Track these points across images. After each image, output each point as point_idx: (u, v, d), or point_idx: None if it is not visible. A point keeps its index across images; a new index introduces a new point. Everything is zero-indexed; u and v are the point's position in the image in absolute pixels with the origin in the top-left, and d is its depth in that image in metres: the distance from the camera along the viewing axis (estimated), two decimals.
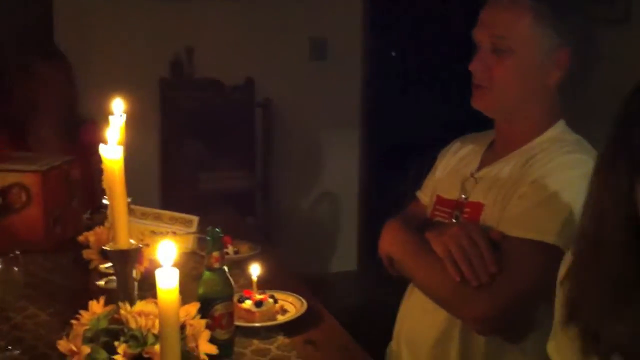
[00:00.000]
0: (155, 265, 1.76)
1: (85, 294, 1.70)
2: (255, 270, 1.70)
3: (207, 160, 4.05)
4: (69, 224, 2.27)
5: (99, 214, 2.42)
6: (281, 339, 1.56)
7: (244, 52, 4.13)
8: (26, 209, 2.12)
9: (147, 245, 1.67)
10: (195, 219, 2.14)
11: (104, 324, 1.12)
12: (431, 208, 1.78)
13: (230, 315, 1.46)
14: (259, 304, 1.62)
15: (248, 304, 1.62)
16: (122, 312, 1.10)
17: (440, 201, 1.75)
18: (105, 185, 1.45)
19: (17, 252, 1.53)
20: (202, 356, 1.14)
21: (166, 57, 3.98)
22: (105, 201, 1.55)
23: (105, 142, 3.14)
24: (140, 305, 1.13)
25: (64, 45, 3.44)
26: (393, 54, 5.15)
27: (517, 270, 1.45)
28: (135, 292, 1.34)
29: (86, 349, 1.07)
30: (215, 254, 1.45)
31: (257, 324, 1.59)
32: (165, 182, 4.11)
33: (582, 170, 1.48)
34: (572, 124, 1.70)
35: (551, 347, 1.25)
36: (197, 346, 1.12)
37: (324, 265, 4.51)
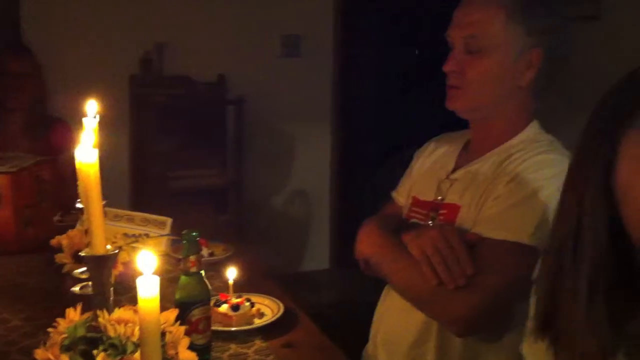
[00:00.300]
0: (129, 268, 1.75)
1: (58, 298, 1.69)
2: (231, 273, 1.69)
3: (178, 158, 4.02)
4: (40, 226, 2.23)
5: (69, 215, 2.40)
6: (259, 343, 1.55)
7: (215, 49, 4.11)
8: None
9: (121, 247, 1.66)
10: (168, 220, 2.12)
11: (81, 332, 1.10)
12: (407, 209, 1.78)
13: (208, 319, 1.45)
14: (235, 307, 1.61)
15: (225, 307, 1.61)
16: (100, 320, 1.08)
17: (416, 202, 1.75)
18: (80, 189, 1.43)
19: None
20: None
21: (136, 54, 3.95)
22: (79, 205, 1.52)
23: (75, 141, 3.11)
24: (118, 313, 1.11)
25: (31, 43, 3.40)
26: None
27: (493, 272, 1.46)
28: (112, 298, 1.33)
29: (64, 358, 1.06)
30: (192, 258, 1.43)
31: (234, 328, 1.58)
32: (136, 180, 4.07)
33: (557, 170, 1.49)
34: (542, 121, 1.72)
35: (525, 348, 1.26)
36: (177, 353, 1.11)
37: (296, 264, 4.51)
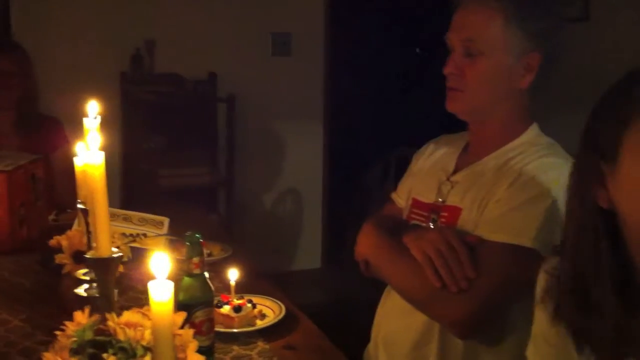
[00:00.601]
0: (128, 269, 1.74)
1: (57, 299, 1.68)
2: (233, 274, 1.69)
3: (168, 156, 4.00)
4: (35, 225, 2.22)
5: (65, 214, 2.39)
6: (261, 345, 1.55)
7: (206, 47, 4.10)
8: None
9: (118, 247, 1.65)
10: (166, 220, 2.11)
11: (89, 335, 1.09)
12: (407, 211, 1.78)
13: (211, 321, 1.44)
14: (237, 309, 1.60)
15: (226, 309, 1.61)
16: (110, 323, 1.08)
17: (416, 204, 1.76)
18: (84, 190, 1.42)
19: None
20: None
21: (127, 51, 3.92)
22: (80, 205, 1.51)
23: (67, 139, 3.09)
24: (127, 316, 1.11)
25: (21, 40, 3.37)
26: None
27: (494, 274, 1.47)
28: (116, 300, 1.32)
29: None
30: (195, 259, 1.43)
31: (235, 330, 1.57)
32: (126, 178, 4.05)
33: (557, 173, 1.50)
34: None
35: (530, 352, 1.26)
36: (185, 357, 1.10)
37: (288, 263, 4.50)
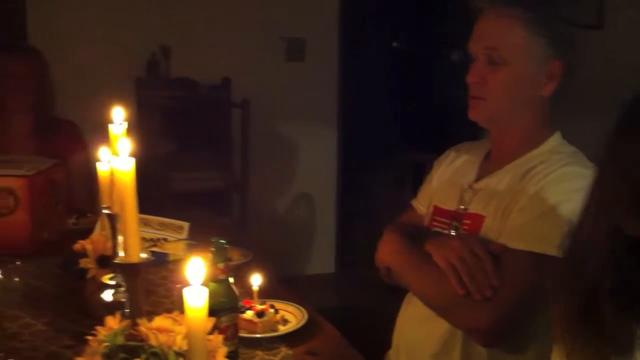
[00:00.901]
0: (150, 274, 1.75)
1: (76, 302, 1.70)
2: (256, 280, 1.70)
3: (182, 160, 4.01)
4: (55, 229, 2.24)
5: (85, 218, 2.40)
6: (284, 350, 1.55)
7: (221, 52, 4.11)
8: (13, 213, 2.09)
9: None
10: (185, 225, 2.13)
11: (120, 340, 1.10)
12: (429, 218, 1.78)
13: (235, 326, 1.45)
14: (260, 314, 1.61)
15: (249, 314, 1.62)
16: (141, 328, 1.09)
17: (438, 212, 1.76)
18: (112, 195, 1.43)
19: (18, 263, 1.50)
20: None
21: (143, 56, 3.94)
22: (105, 210, 1.53)
23: (83, 144, 3.10)
24: (158, 321, 1.12)
25: (37, 44, 3.38)
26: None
27: (518, 282, 1.47)
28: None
29: None
30: (221, 265, 1.44)
31: (258, 335, 1.58)
32: (139, 182, 4.05)
33: (580, 183, 1.50)
34: None
35: (556, 356, 1.27)
36: None
37: (301, 267, 4.50)
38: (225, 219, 4.06)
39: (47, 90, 3.12)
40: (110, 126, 1.60)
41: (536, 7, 1.62)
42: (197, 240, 2.04)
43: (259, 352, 1.54)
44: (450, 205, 1.72)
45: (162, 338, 1.07)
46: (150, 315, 1.19)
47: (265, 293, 1.76)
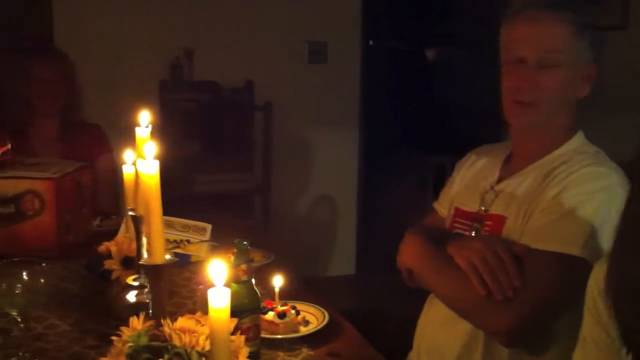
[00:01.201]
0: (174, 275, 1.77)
1: (101, 304, 1.72)
2: (277, 281, 1.71)
3: (205, 162, 4.04)
4: (80, 231, 2.26)
5: (109, 220, 2.43)
6: (305, 351, 1.56)
7: (243, 55, 4.14)
8: (39, 216, 2.12)
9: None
10: (208, 226, 2.15)
11: (144, 341, 1.12)
12: (450, 220, 1.79)
13: (257, 327, 1.46)
14: (281, 315, 1.62)
15: (271, 315, 1.63)
16: (165, 329, 1.10)
17: (459, 213, 1.76)
18: (137, 197, 1.45)
19: (43, 264, 1.52)
20: None
21: (166, 59, 3.98)
22: (131, 212, 1.55)
23: (108, 147, 3.13)
24: (181, 322, 1.13)
25: (63, 48, 3.43)
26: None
27: (541, 283, 1.47)
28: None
29: None
30: (243, 266, 1.45)
31: (280, 336, 1.59)
32: (163, 184, 4.09)
33: (604, 183, 1.51)
34: None
35: (577, 355, 1.27)
36: None
37: (322, 269, 4.52)
38: (248, 220, 4.08)
39: (75, 94, 3.16)
40: (136, 129, 1.61)
41: (581, 11, 1.63)
42: (220, 241, 2.06)
43: (281, 353, 1.55)
44: (471, 207, 1.73)
45: (186, 339, 1.09)
46: (174, 316, 1.20)
47: (287, 294, 1.77)
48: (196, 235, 2.12)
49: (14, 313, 1.48)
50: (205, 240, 2.11)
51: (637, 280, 1.07)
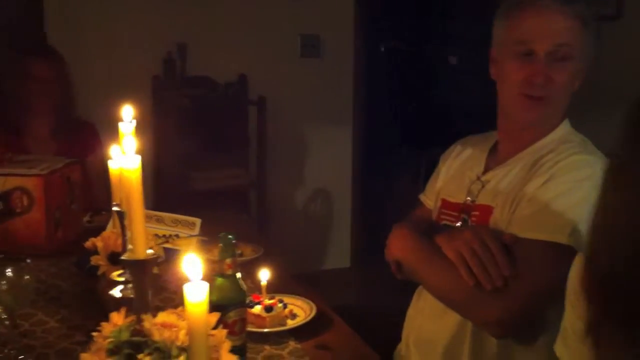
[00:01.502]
0: (161, 270, 1.77)
1: (92, 300, 1.71)
2: (264, 275, 1.70)
3: (200, 158, 4.04)
4: (70, 227, 2.26)
5: (99, 216, 2.43)
6: (292, 344, 1.56)
7: (237, 50, 4.13)
8: (28, 213, 2.11)
9: (151, 248, 1.67)
10: (198, 221, 2.14)
11: (126, 336, 1.11)
12: (437, 212, 1.78)
13: (243, 321, 1.46)
14: (268, 309, 1.62)
15: (258, 309, 1.62)
16: (145, 324, 1.10)
17: (446, 205, 1.76)
18: (118, 194, 1.45)
19: (28, 261, 1.52)
20: None
21: (159, 55, 3.96)
22: (115, 207, 1.54)
23: (101, 143, 3.13)
24: (162, 317, 1.12)
25: (55, 45, 3.42)
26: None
27: (531, 272, 1.46)
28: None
29: None
30: (228, 260, 1.44)
31: (267, 330, 1.59)
32: (158, 180, 4.09)
33: (590, 171, 1.51)
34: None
35: (560, 347, 1.26)
36: (219, 357, 1.12)
37: (317, 263, 4.52)
38: (244, 216, 4.07)
39: (69, 93, 3.15)
40: (119, 124, 1.61)
41: (589, 5, 1.62)
42: (211, 236, 2.05)
43: (267, 347, 1.55)
44: (458, 198, 1.72)
45: (165, 333, 1.08)
46: (160, 311, 1.20)
47: (276, 288, 1.77)
48: (185, 229, 2.12)
49: None
50: (195, 235, 2.10)
51: (606, 274, 1.07)
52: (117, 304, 1.40)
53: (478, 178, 1.71)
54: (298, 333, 1.61)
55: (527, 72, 1.59)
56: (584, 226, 1.45)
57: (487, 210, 1.62)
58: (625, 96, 1.14)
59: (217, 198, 3.96)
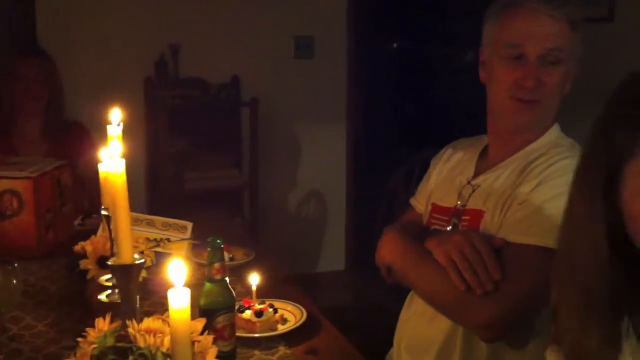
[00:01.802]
0: (151, 273, 1.76)
1: (82, 304, 1.70)
2: (254, 279, 1.70)
3: (193, 159, 4.03)
4: (61, 230, 2.25)
5: (90, 219, 2.41)
6: (282, 349, 1.55)
7: (229, 50, 4.12)
8: (18, 215, 2.10)
9: (142, 252, 1.66)
10: (189, 224, 2.13)
11: (110, 342, 1.10)
12: (427, 216, 1.78)
13: (232, 326, 1.45)
14: (259, 313, 1.61)
15: (248, 314, 1.61)
16: (130, 330, 1.09)
17: (436, 209, 1.75)
18: (107, 197, 1.44)
19: (15, 265, 1.50)
20: None
21: (151, 56, 3.95)
22: (104, 211, 1.53)
23: (92, 145, 3.11)
24: (147, 322, 1.12)
25: (46, 46, 3.41)
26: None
27: (521, 276, 1.45)
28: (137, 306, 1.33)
29: None
30: (217, 265, 1.43)
31: (257, 335, 1.58)
32: (151, 182, 4.08)
33: None
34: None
35: (548, 355, 1.26)
36: None
37: (311, 265, 4.51)
38: (238, 218, 4.06)
39: (58, 94, 3.15)
40: (107, 127, 1.60)
41: (578, 8, 1.62)
42: (202, 239, 2.04)
43: (257, 352, 1.54)
44: (448, 202, 1.72)
45: (150, 339, 1.07)
46: (150, 315, 1.19)
47: (267, 292, 1.76)
48: (177, 233, 2.11)
49: None
50: (186, 239, 2.09)
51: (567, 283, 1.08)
52: (104, 308, 1.39)
53: (468, 182, 1.70)
54: (289, 338, 1.60)
55: (517, 76, 1.59)
56: None
57: (478, 214, 1.61)
58: None
59: (210, 199, 3.95)
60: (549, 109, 1.64)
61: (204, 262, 1.66)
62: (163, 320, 1.13)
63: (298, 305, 1.71)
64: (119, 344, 1.10)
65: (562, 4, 1.58)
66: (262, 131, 4.11)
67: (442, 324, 1.60)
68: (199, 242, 2.08)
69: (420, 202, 1.86)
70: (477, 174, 1.71)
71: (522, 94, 1.60)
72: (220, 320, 1.42)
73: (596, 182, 1.06)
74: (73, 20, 3.82)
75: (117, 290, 1.44)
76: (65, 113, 3.19)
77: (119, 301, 1.37)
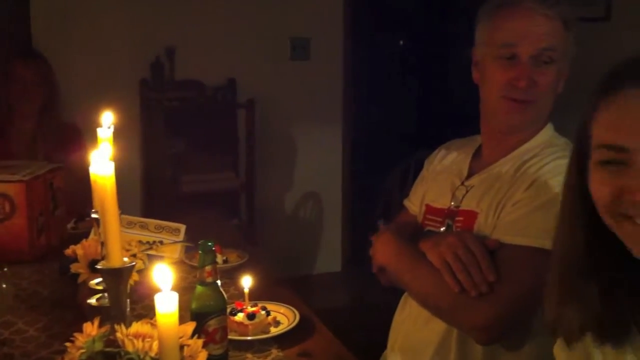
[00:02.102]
0: (144, 277, 1.75)
1: (73, 308, 1.69)
2: (247, 282, 1.68)
3: (189, 161, 4.02)
4: (54, 233, 2.24)
5: (83, 222, 2.40)
6: (275, 352, 1.54)
7: (225, 52, 4.10)
8: (10, 219, 2.09)
9: (135, 255, 1.65)
10: (182, 227, 2.12)
11: (99, 346, 1.10)
12: (421, 217, 1.77)
13: (224, 329, 1.44)
14: (251, 316, 1.60)
15: (240, 316, 1.60)
16: (118, 335, 1.08)
17: (430, 210, 1.74)
18: (96, 201, 1.43)
19: (5, 269, 1.49)
20: None
21: (147, 58, 3.94)
22: (94, 215, 1.52)
23: (87, 147, 3.11)
24: (135, 327, 1.11)
25: (41, 48, 3.40)
26: None
27: (515, 278, 1.44)
28: (128, 309, 1.32)
29: None
30: (208, 268, 1.42)
31: (250, 337, 1.57)
32: (147, 184, 4.07)
33: None
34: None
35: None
36: None
37: (308, 267, 4.50)
38: (234, 220, 4.05)
39: (54, 96, 3.14)
40: (98, 130, 1.59)
41: (570, 7, 1.61)
42: (195, 242, 2.03)
43: (250, 355, 1.53)
44: (442, 203, 1.71)
45: (138, 344, 1.06)
46: (142, 319, 1.18)
47: (260, 294, 1.75)
48: (170, 236, 2.10)
49: None
50: (179, 242, 2.09)
51: (557, 278, 1.11)
52: (95, 312, 1.38)
53: (462, 183, 1.69)
54: (281, 340, 1.59)
55: (510, 76, 1.58)
56: None
57: (472, 215, 1.60)
58: None
59: (206, 201, 3.93)
60: (543, 109, 1.63)
61: (197, 264, 1.65)
62: (152, 324, 1.12)
63: (291, 308, 1.70)
64: (107, 349, 1.09)
65: (555, 3, 1.57)
66: (259, 133, 4.10)
67: (437, 326, 1.59)
68: (192, 245, 2.07)
69: (413, 204, 1.85)
70: (470, 175, 1.70)
71: (515, 94, 1.59)
72: (212, 324, 1.41)
73: (576, 174, 1.08)
74: (69, 22, 3.81)
75: (107, 294, 1.43)
76: (61, 115, 3.19)
77: (109, 305, 1.36)
